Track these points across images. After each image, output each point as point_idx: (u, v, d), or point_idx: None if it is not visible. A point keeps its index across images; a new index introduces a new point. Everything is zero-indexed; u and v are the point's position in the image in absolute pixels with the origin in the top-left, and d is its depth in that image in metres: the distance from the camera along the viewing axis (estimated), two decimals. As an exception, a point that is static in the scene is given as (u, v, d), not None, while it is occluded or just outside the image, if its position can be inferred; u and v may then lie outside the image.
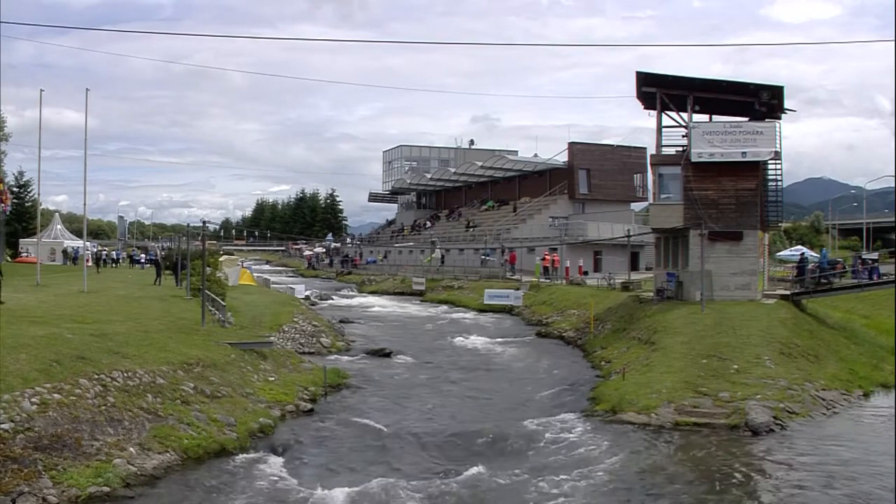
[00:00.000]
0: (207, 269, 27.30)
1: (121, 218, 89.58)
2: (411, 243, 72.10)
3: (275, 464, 13.00)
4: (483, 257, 55.56)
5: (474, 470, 12.82)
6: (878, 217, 79.92)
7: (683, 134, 27.72)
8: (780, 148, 26.86)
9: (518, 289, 41.57)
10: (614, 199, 58.38)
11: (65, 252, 53.93)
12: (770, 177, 28.32)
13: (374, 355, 25.73)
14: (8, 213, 33.07)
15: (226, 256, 49.86)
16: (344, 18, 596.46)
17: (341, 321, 34.63)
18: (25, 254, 51.90)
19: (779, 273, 40.42)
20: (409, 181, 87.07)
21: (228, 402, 15.49)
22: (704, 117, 29.15)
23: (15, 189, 58.21)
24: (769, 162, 27.23)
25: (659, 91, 27.67)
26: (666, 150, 28.28)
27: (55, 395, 12.33)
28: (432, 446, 14.70)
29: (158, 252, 45.21)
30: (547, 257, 45.46)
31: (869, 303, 30.71)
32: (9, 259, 47.36)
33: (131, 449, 12.13)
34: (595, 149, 61.34)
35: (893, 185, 67.73)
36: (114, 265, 57.56)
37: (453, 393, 20.10)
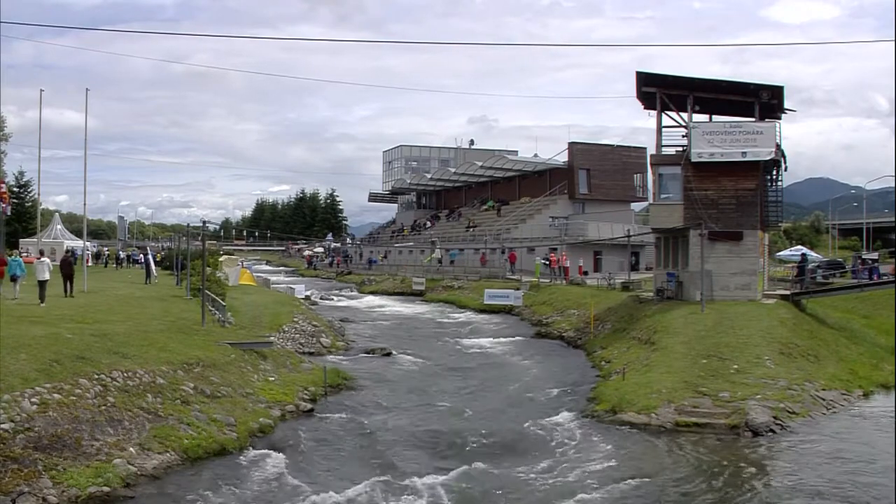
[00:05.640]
0: (207, 269, 27.30)
1: (121, 218, 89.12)
2: (411, 243, 72.07)
3: (275, 463, 12.99)
4: (451, 259, 56.31)
5: (474, 470, 12.82)
6: (878, 217, 79.86)
7: (683, 134, 27.70)
8: (781, 141, 26.85)
9: (518, 289, 41.56)
10: (614, 199, 58.32)
11: (67, 252, 53.74)
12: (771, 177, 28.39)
13: (374, 355, 25.71)
14: (8, 213, 33.08)
15: (226, 256, 49.83)
16: (342, 19, 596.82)
17: (341, 321, 34.63)
18: (25, 254, 51.82)
19: (779, 273, 40.45)
20: (408, 181, 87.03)
21: (228, 402, 15.49)
22: (704, 117, 29.15)
23: (15, 189, 58.20)
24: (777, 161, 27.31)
25: (659, 91, 27.65)
26: (666, 150, 28.26)
27: (55, 395, 12.33)
28: (432, 446, 14.70)
29: (149, 253, 45.43)
30: (553, 257, 45.49)
31: (869, 303, 30.71)
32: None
33: (131, 449, 12.13)
34: (595, 149, 61.28)
35: (893, 185, 67.67)
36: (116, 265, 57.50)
37: (453, 393, 20.08)
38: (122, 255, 58.97)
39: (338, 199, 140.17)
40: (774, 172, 28.82)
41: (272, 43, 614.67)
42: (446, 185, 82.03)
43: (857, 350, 22.74)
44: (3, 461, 10.54)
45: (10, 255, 24.97)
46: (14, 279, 23.20)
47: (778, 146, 26.56)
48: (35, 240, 48.96)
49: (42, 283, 22.44)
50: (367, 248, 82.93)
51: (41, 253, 25.05)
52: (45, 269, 22.94)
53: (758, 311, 23.77)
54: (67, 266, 25.37)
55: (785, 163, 28.08)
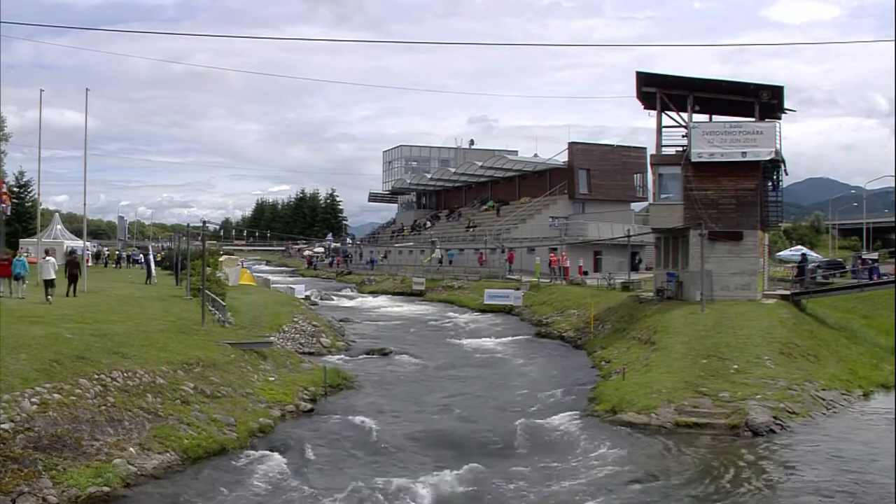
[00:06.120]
0: (207, 269, 27.30)
1: (121, 218, 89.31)
2: (411, 243, 72.07)
3: (275, 464, 12.99)
4: (449, 259, 56.64)
5: (474, 470, 12.81)
6: (878, 217, 79.86)
7: (683, 134, 27.71)
8: (780, 148, 26.91)
9: (518, 289, 41.55)
10: (614, 199, 58.29)
11: (72, 253, 53.69)
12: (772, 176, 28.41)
13: (374, 355, 25.72)
14: (8, 213, 33.16)
15: (226, 256, 49.79)
16: (342, 19, 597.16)
17: (341, 321, 34.62)
18: (27, 254, 51.74)
19: (779, 273, 40.46)
20: (408, 181, 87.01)
21: (228, 402, 15.49)
22: (704, 117, 29.15)
23: (15, 189, 58.11)
24: (777, 163, 27.35)
25: (659, 91, 27.65)
26: (666, 150, 28.27)
27: (55, 395, 12.33)
28: (432, 446, 14.70)
29: (150, 253, 45.60)
30: (553, 257, 45.50)
31: (869, 303, 30.71)
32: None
33: (131, 449, 12.13)
34: (595, 149, 61.25)
35: (893, 185, 67.68)
36: (116, 265, 57.52)
37: (453, 393, 20.09)
38: (123, 254, 58.93)
39: (338, 199, 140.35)
40: (775, 177, 28.89)
41: (272, 43, 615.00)
42: (446, 185, 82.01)
43: (857, 350, 22.74)
44: (3, 461, 10.54)
45: (15, 256, 25.40)
46: (18, 278, 23.60)
47: (777, 152, 26.56)
48: (35, 240, 48.85)
49: (48, 283, 22.80)
50: (367, 249, 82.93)
51: (46, 252, 25.66)
52: (51, 269, 23.25)
53: (758, 311, 23.77)
54: (74, 266, 26.02)
55: (785, 168, 28.19)
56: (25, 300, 22.39)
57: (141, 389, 14.02)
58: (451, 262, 57.56)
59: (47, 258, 24.15)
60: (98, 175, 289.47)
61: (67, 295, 24.64)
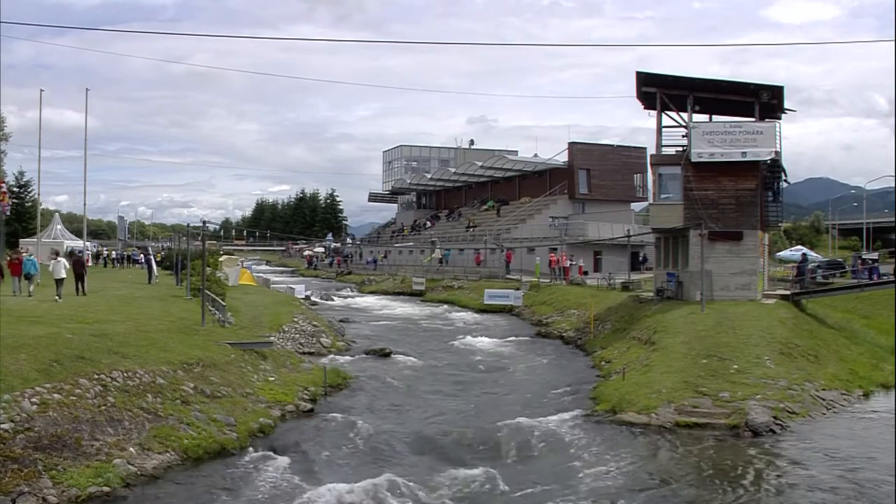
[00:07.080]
0: (207, 269, 27.30)
1: (121, 218, 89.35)
2: (411, 243, 72.06)
3: (275, 464, 12.99)
4: (446, 258, 56.23)
5: (474, 470, 12.82)
6: (878, 217, 79.89)
7: (683, 134, 27.72)
8: (780, 148, 26.93)
9: (518, 289, 41.55)
10: (614, 199, 58.33)
11: (72, 253, 53.74)
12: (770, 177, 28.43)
13: (374, 355, 25.69)
14: (8, 213, 33.34)
15: (226, 256, 49.80)
16: (342, 19, 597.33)
17: (341, 321, 34.60)
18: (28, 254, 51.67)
19: (779, 273, 40.47)
20: (408, 181, 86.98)
21: (228, 402, 15.48)
22: (704, 117, 29.15)
23: (15, 189, 58.18)
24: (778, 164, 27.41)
25: (659, 91, 27.66)
26: (666, 150, 28.28)
27: (55, 395, 12.32)
28: (432, 446, 14.69)
29: (150, 253, 45.78)
30: (553, 257, 45.49)
31: (869, 303, 30.71)
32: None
33: (131, 449, 12.13)
34: (595, 149, 61.30)
35: (893, 185, 67.70)
36: (115, 265, 57.56)
37: (453, 393, 20.09)
38: (123, 254, 58.93)
39: (338, 199, 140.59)
40: (775, 186, 28.93)
41: (272, 43, 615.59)
42: (446, 185, 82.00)
43: (857, 350, 22.74)
44: (3, 461, 10.53)
45: (25, 255, 25.88)
46: (28, 277, 24.17)
47: (777, 153, 26.54)
48: (35, 240, 48.90)
49: (59, 281, 23.33)
50: (367, 249, 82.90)
51: (56, 253, 26.59)
52: (62, 268, 23.85)
53: (758, 311, 23.77)
54: (80, 266, 26.69)
55: (785, 175, 28.28)
56: (29, 299, 22.56)
57: (141, 389, 14.01)
58: (447, 261, 57.48)
59: (58, 258, 24.66)
60: (98, 175, 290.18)
61: (78, 294, 25.03)
